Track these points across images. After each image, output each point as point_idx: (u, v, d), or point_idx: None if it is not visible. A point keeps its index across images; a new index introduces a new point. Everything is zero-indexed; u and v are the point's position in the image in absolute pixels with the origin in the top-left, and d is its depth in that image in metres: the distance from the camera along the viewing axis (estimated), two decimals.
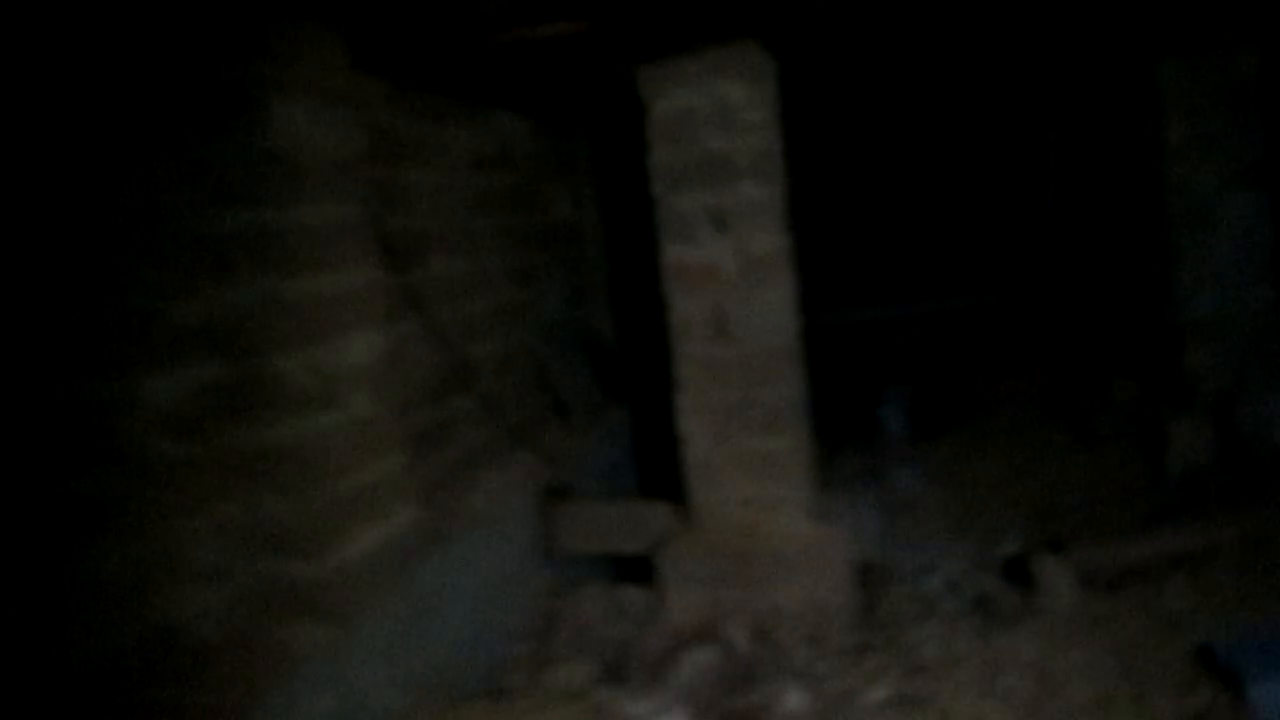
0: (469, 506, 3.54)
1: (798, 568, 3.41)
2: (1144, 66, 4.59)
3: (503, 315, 4.31)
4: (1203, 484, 4.12)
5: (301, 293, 2.65)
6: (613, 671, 3.21)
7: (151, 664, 2.30)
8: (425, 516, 3.25)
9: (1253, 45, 4.47)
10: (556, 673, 3.20)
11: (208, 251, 2.49)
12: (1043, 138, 6.31)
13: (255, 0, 2.54)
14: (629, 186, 3.73)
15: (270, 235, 2.62)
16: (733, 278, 3.38)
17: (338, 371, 2.72)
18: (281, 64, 2.72)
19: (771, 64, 3.45)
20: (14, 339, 2.10)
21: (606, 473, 4.64)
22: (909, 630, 3.33)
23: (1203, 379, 4.31)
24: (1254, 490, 3.82)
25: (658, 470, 3.81)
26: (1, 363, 2.07)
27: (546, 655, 3.39)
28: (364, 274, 2.95)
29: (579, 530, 3.84)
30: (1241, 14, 4.41)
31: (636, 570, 3.72)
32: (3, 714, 1.99)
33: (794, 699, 2.86)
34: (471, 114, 4.14)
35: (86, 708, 2.13)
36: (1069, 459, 4.97)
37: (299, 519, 2.60)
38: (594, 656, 3.34)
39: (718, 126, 3.39)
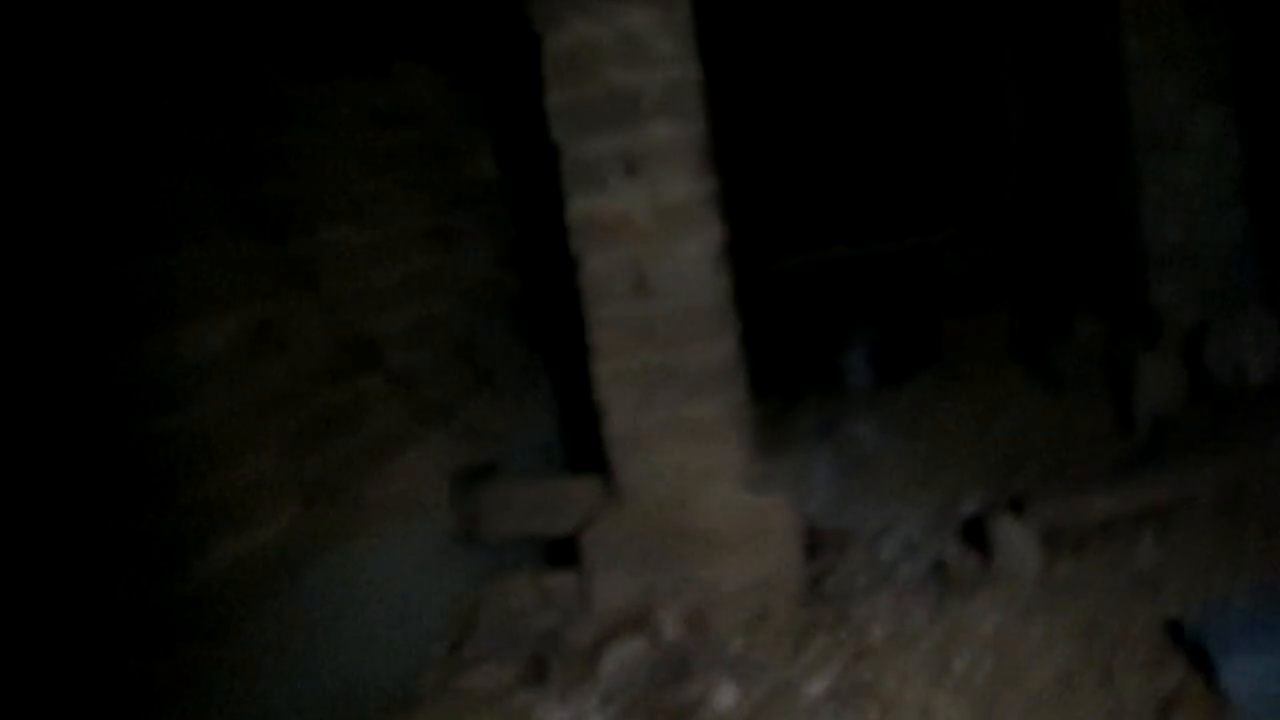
0: (377, 495, 3.23)
1: (736, 543, 3.12)
2: None
3: (417, 283, 3.95)
4: (1174, 426, 3.85)
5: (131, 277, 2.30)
6: (536, 669, 2.93)
7: None
8: (320, 512, 2.95)
9: None
10: (474, 675, 2.92)
11: None
12: (1000, 54, 5.94)
13: None
14: (541, 135, 3.38)
15: None
16: (648, 229, 3.04)
17: (185, 365, 2.39)
18: None
19: None
20: None
21: (543, 447, 4.34)
22: (859, 604, 3.06)
23: (1171, 313, 4.01)
24: (1228, 431, 3.54)
25: (590, 441, 3.50)
26: None
27: (466, 655, 3.10)
28: (219, 250, 2.61)
29: (502, 512, 3.53)
30: None
31: (572, 552, 3.43)
32: None
33: (727, 695, 2.59)
34: (365, 66, 3.75)
35: None
36: (1034, 403, 4.70)
37: (151, 536, 2.28)
38: (517, 653, 3.05)
39: (624, 60, 3.03)
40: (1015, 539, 3.12)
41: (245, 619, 2.54)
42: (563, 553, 3.48)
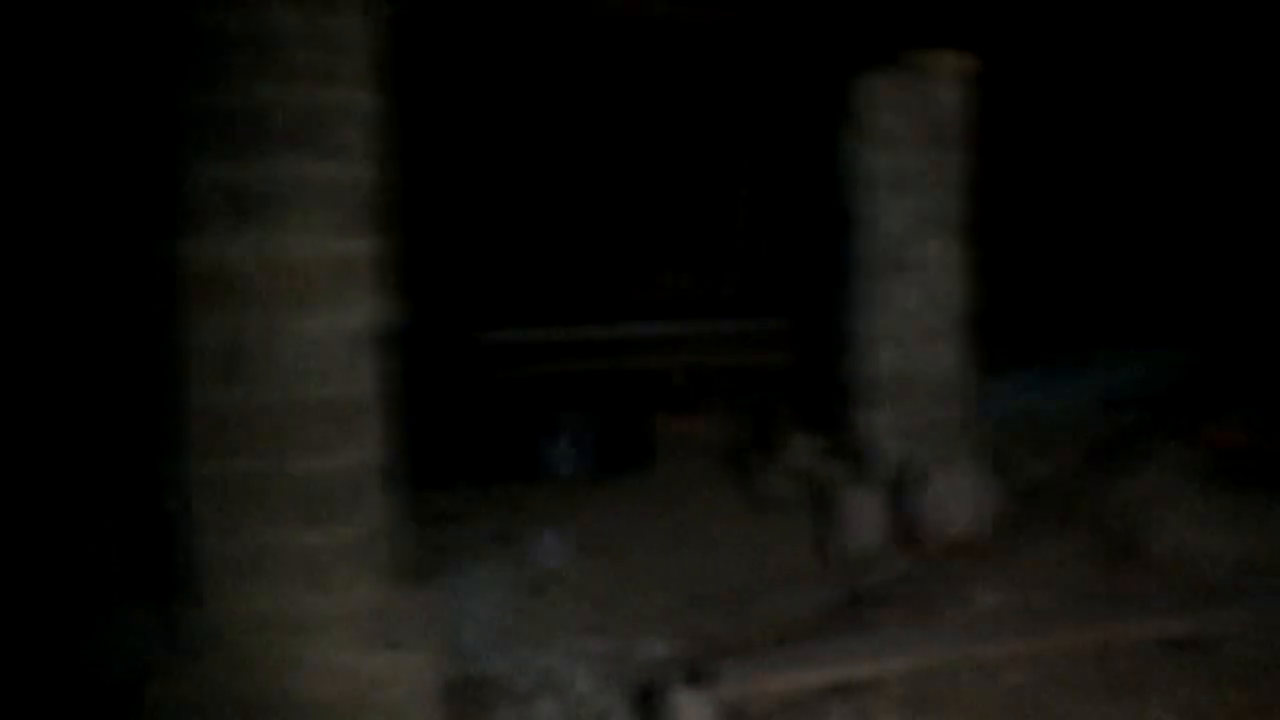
0: None
1: (343, 715, 2.37)
2: (840, 86, 4.01)
3: None
4: (876, 570, 3.53)
5: None
6: None
7: None
8: None
9: (956, 74, 3.99)
10: None
11: None
12: (737, 155, 5.72)
13: None
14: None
15: None
16: (259, 293, 2.28)
17: None
18: None
19: None
20: None
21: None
22: None
23: (881, 445, 3.74)
24: (926, 588, 3.23)
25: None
26: None
27: None
28: None
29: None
30: (945, 36, 3.90)
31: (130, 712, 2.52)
32: None
33: None
34: None
35: None
36: (739, 524, 4.29)
37: None
38: None
39: (257, 67, 2.29)
40: (691, 717, 2.58)
41: None
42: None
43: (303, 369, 2.30)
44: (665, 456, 5.19)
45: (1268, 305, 5.57)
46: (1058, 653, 2.74)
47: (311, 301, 2.31)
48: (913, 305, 3.80)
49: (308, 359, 2.31)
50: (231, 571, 2.35)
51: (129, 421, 2.53)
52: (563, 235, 5.84)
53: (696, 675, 2.74)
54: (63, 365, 2.80)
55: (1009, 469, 3.88)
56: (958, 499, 3.53)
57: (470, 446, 5.13)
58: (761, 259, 5.58)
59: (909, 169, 3.91)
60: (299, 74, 2.28)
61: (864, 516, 3.61)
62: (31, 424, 2.75)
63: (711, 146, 5.75)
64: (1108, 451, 4.03)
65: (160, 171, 2.28)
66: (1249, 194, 5.84)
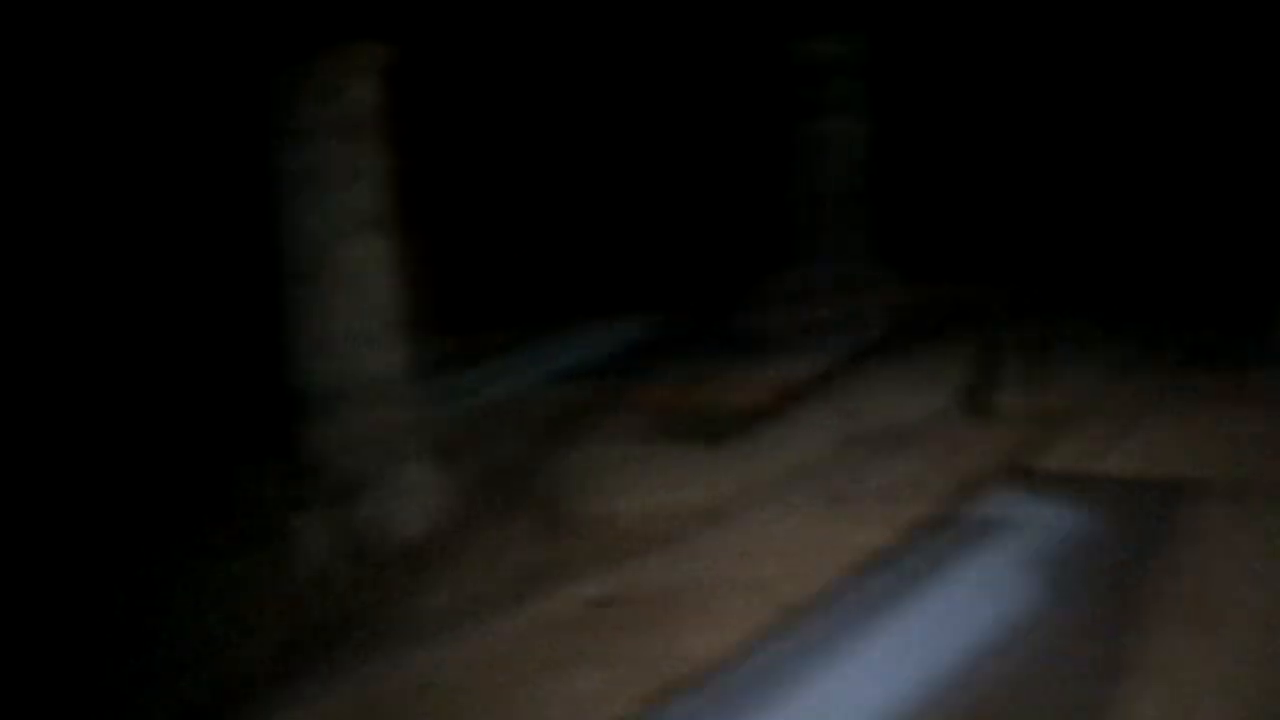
0: None
1: None
2: (254, 83, 3.72)
3: None
4: (340, 597, 3.33)
5: None
6: None
7: None
8: None
9: (373, 66, 3.87)
10: None
11: None
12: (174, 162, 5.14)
13: None
14: None
15: None
16: None
17: None
18: None
19: None
20: None
21: None
22: None
23: (329, 460, 3.53)
24: (389, 611, 3.10)
25: None
26: None
27: None
28: None
29: None
30: (358, 28, 3.75)
31: None
32: None
33: None
34: None
35: None
36: (213, 568, 3.85)
37: None
38: None
39: None
40: None
41: None
42: None
43: None
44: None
45: (700, 274, 6.24)
46: (501, 640, 2.76)
47: None
48: (345, 308, 3.62)
49: None
50: None
51: None
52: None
53: None
54: None
55: (463, 462, 3.89)
56: (408, 504, 3.44)
57: None
58: (211, 269, 5.08)
59: (328, 166, 3.71)
60: None
61: (318, 540, 3.39)
62: None
63: (148, 157, 5.13)
64: (558, 428, 4.21)
65: None
66: (701, 167, 6.45)
